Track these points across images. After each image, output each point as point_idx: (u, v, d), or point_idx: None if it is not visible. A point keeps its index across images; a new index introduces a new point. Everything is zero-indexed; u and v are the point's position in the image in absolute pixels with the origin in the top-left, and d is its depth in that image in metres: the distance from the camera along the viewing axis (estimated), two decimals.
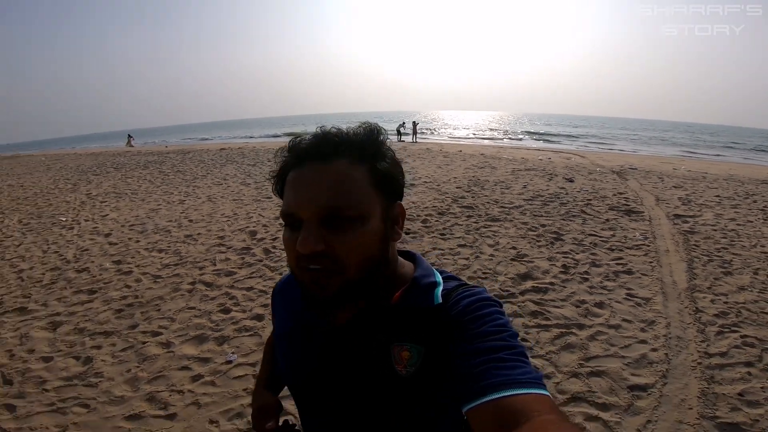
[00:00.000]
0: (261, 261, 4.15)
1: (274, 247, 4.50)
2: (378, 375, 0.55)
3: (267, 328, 2.85)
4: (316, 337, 0.61)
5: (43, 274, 4.16)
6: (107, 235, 5.46)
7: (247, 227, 5.31)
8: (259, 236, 4.93)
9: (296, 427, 0.72)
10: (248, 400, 2.19)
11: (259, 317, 3.03)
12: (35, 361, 2.63)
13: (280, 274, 3.60)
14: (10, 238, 5.60)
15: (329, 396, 0.60)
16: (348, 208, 0.49)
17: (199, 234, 5.21)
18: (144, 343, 2.78)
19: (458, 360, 0.48)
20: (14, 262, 4.59)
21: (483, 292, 0.56)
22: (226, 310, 3.16)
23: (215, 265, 4.10)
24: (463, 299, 0.54)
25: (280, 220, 3.92)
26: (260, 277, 3.77)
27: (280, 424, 0.71)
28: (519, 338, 0.50)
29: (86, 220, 6.33)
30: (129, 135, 30.47)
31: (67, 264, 4.48)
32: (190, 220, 5.91)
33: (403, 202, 0.58)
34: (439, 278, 0.60)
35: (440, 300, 0.55)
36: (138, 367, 2.51)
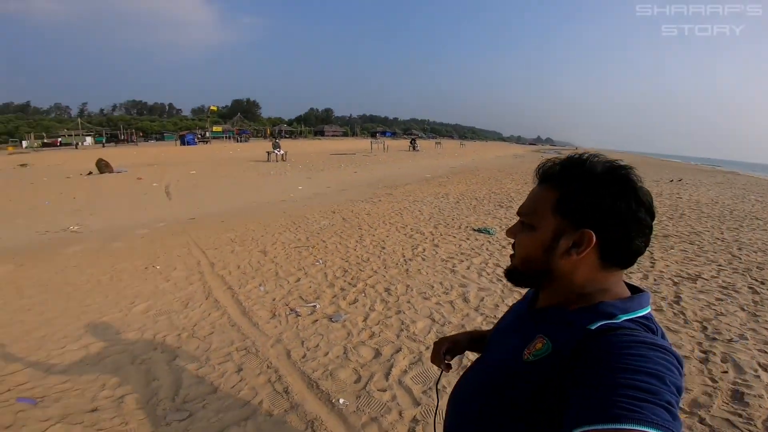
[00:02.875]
0: None
1: None
2: (511, 352, 0.67)
3: None
4: (517, 313, 0.79)
5: None
6: None
7: None
8: None
9: (450, 367, 0.94)
10: None
11: None
12: None
13: None
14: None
15: (486, 355, 0.80)
16: (525, 216, 0.69)
17: None
18: None
19: (582, 386, 0.50)
20: None
21: (659, 340, 0.55)
22: None
23: None
24: (621, 336, 0.55)
25: None
26: None
27: (449, 360, 0.94)
28: (680, 394, 0.48)
29: None
30: None
31: None
32: None
33: None
34: (624, 316, 0.60)
35: (593, 327, 0.58)
36: None
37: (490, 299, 3.73)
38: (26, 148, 44.08)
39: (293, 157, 22.47)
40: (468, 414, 0.71)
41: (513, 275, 0.71)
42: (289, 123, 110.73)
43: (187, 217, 7.76)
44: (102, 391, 2.29)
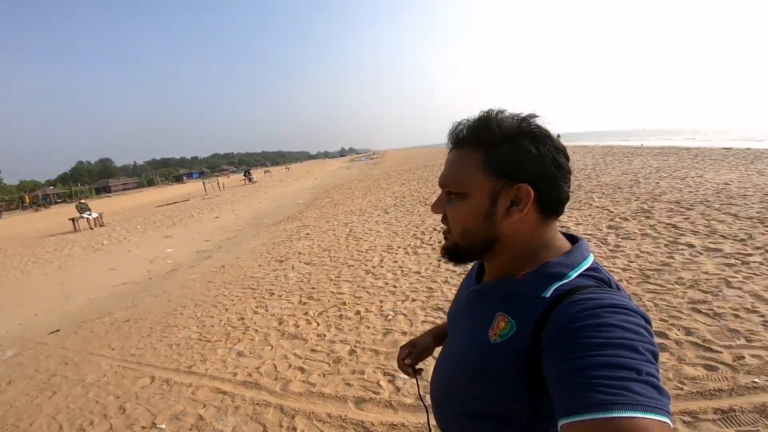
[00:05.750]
0: None
1: None
2: (475, 334, 0.61)
3: None
4: (465, 291, 0.72)
5: None
6: None
7: None
8: None
9: (420, 371, 0.91)
10: None
11: None
12: None
13: None
14: None
15: (450, 341, 0.72)
16: (451, 186, 0.60)
17: None
18: None
19: (558, 371, 0.46)
20: None
21: (618, 298, 0.50)
22: None
23: None
24: (580, 302, 0.50)
25: None
26: None
27: (417, 366, 0.91)
28: (656, 358, 0.45)
29: None
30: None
31: None
32: None
33: None
34: (574, 273, 0.56)
35: (548, 294, 0.55)
36: None
37: None
38: None
39: (110, 218, 17.08)
40: (451, 404, 0.67)
41: (455, 253, 0.64)
42: (53, 183, 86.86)
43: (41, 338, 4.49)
44: None
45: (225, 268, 5.97)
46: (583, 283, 0.54)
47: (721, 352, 2.28)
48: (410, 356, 0.90)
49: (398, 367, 0.92)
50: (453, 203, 0.61)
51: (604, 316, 0.47)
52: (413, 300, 3.52)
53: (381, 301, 3.60)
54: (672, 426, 0.39)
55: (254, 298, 4.28)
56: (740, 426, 1.72)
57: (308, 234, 7.59)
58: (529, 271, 0.59)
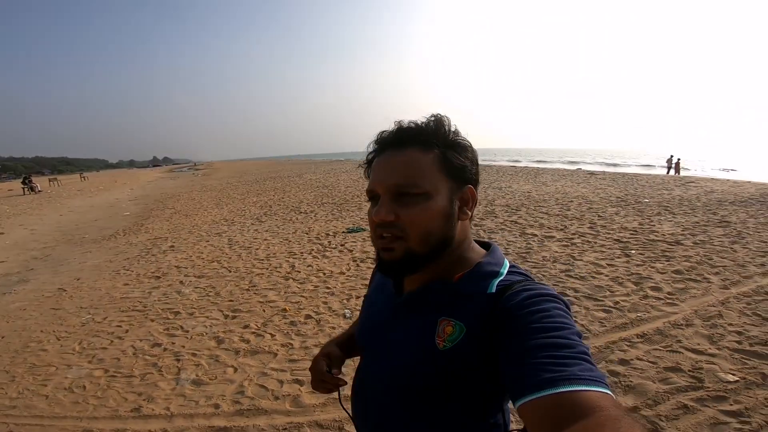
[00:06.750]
0: None
1: None
2: (419, 344, 0.59)
3: None
4: (387, 303, 0.68)
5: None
6: None
7: None
8: None
9: (341, 381, 0.76)
10: None
11: None
12: None
13: None
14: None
15: (380, 356, 0.66)
16: (413, 186, 0.56)
17: None
18: None
19: (511, 354, 0.49)
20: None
21: (547, 288, 0.55)
22: None
23: None
24: (522, 292, 0.54)
25: None
26: None
27: (338, 373, 0.77)
28: (581, 338, 0.49)
29: None
30: None
31: None
32: None
33: None
34: (504, 270, 0.61)
35: (494, 290, 0.57)
36: None
37: None
38: None
39: None
40: (396, 421, 0.62)
41: (408, 262, 0.59)
42: None
43: None
44: None
45: (68, 292, 4.62)
46: (516, 279, 0.59)
47: (603, 301, 3.21)
48: (332, 368, 0.79)
49: (317, 383, 0.78)
50: (412, 205, 0.57)
51: (541, 304, 0.52)
52: (358, 297, 3.59)
53: (325, 303, 3.54)
54: (614, 397, 0.41)
55: (152, 320, 3.52)
56: (657, 343, 2.53)
57: (173, 246, 6.51)
58: (465, 272, 0.61)
